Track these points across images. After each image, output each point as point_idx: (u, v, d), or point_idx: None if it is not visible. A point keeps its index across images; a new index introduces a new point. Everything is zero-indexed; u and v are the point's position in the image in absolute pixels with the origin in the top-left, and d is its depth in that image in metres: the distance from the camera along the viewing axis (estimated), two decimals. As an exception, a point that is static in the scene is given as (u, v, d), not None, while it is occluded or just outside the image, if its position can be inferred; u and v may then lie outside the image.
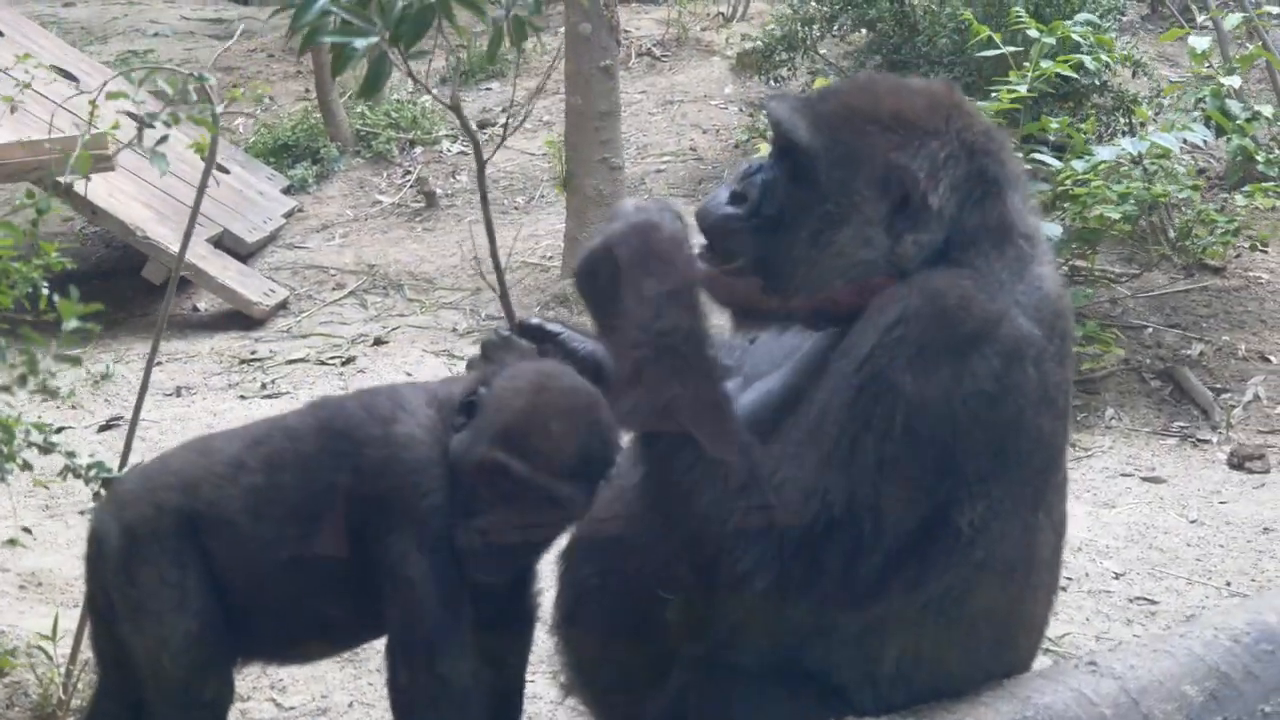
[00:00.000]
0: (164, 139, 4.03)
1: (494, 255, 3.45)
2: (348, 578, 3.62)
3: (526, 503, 3.49)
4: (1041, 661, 4.02)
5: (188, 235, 4.43)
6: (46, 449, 3.90)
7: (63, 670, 4.58)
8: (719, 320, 3.91)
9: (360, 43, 2.89)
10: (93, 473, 3.96)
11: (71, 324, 3.36)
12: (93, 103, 4.23)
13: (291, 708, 4.80)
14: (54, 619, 4.78)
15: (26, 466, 3.95)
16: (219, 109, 4.05)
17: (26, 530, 4.69)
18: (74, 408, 7.90)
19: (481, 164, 3.43)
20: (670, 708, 3.60)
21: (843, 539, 3.31)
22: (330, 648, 4.02)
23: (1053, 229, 7.88)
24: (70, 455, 3.96)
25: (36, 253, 3.84)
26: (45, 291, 3.99)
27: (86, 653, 4.22)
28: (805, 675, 3.54)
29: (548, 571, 3.87)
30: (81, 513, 4.13)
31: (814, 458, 3.32)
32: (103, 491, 3.98)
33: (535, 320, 3.79)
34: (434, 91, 2.86)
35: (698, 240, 3.51)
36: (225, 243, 10.47)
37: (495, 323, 9.58)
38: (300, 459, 3.66)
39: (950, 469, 3.36)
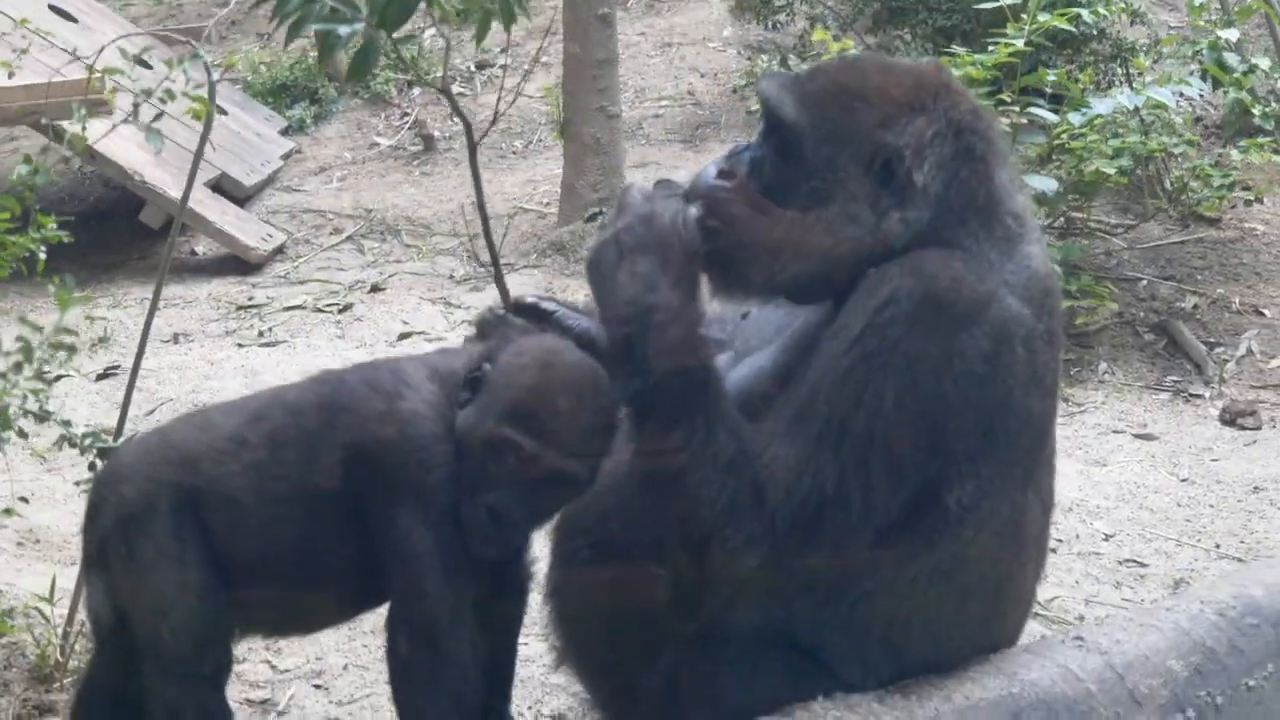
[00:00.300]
0: (159, 116, 4.02)
1: (488, 237, 3.47)
2: (349, 552, 3.65)
3: (533, 478, 3.52)
4: (1030, 627, 4.05)
5: (184, 198, 4.42)
6: (42, 417, 3.91)
7: (60, 632, 4.60)
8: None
9: (345, 30, 2.89)
10: (88, 442, 3.97)
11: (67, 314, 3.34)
12: (90, 67, 4.18)
13: (286, 670, 4.83)
14: (51, 581, 4.80)
15: (22, 434, 3.96)
16: (216, 77, 4.02)
17: (24, 500, 4.70)
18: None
19: (473, 147, 3.42)
20: (660, 681, 3.63)
21: (833, 516, 3.35)
22: (330, 619, 4.05)
23: (1048, 183, 7.89)
24: (66, 424, 3.97)
25: (34, 223, 3.83)
26: (43, 257, 4.00)
27: (83, 614, 4.23)
28: (795, 649, 3.57)
29: (540, 541, 3.89)
30: (78, 484, 4.12)
31: (805, 436, 3.34)
32: (99, 462, 4.00)
33: (531, 299, 3.81)
34: (426, 78, 2.85)
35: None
36: (223, 186, 10.47)
37: (491, 269, 9.60)
38: (303, 435, 3.67)
39: (940, 448, 3.40)
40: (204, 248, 10.12)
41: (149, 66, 4.09)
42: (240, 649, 4.77)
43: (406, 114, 12.23)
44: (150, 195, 9.71)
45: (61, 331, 3.43)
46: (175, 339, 8.55)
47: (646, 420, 3.41)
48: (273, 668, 4.84)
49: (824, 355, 3.38)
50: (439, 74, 12.61)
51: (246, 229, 10.02)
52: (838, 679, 3.57)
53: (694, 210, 3.46)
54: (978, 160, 3.54)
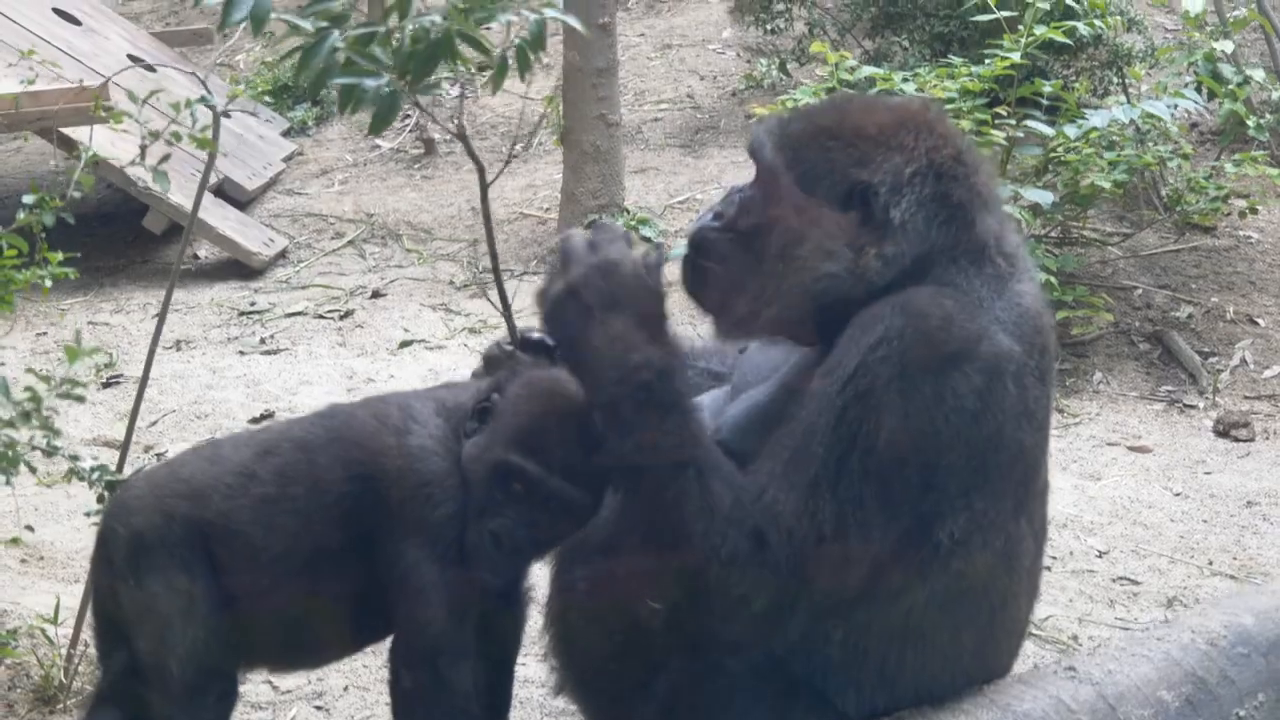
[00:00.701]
0: (166, 158, 4.06)
1: (496, 274, 3.49)
2: (356, 586, 3.69)
3: (539, 505, 3.56)
4: (1024, 647, 4.09)
5: (190, 224, 4.46)
6: (50, 452, 3.94)
7: (64, 654, 4.63)
8: (700, 331, 4.00)
9: (370, 83, 2.93)
10: (95, 475, 4.01)
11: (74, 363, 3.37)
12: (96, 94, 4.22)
13: (288, 691, 4.87)
14: (56, 602, 4.83)
15: (31, 469, 4.00)
16: (220, 98, 4.06)
17: (29, 529, 4.73)
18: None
19: (485, 189, 3.45)
20: (658, 709, 3.66)
21: (829, 554, 3.39)
22: (336, 653, 4.08)
23: (1044, 195, 7.93)
24: (74, 459, 4.01)
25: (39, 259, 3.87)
26: (48, 285, 4.04)
27: (88, 636, 4.27)
28: (791, 679, 3.61)
29: (541, 568, 3.93)
30: (88, 514, 4.15)
31: (803, 478, 3.39)
32: (107, 494, 4.03)
33: (536, 335, 3.85)
34: (442, 123, 2.89)
35: (659, 264, 3.55)
36: (225, 190, 10.49)
37: (492, 276, 9.62)
38: (312, 470, 3.70)
39: (934, 483, 3.44)
40: (206, 252, 10.14)
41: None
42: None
43: (408, 116, 12.23)
44: (153, 201, 9.73)
45: (68, 384, 3.45)
46: (178, 346, 8.58)
47: (640, 477, 3.45)
48: (274, 688, 4.87)
49: (819, 395, 3.42)
50: (440, 74, 12.67)
51: (249, 234, 10.04)
52: (833, 709, 3.62)
53: (653, 255, 3.50)
54: (956, 207, 3.59)
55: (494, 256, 3.59)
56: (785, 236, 3.59)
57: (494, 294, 3.64)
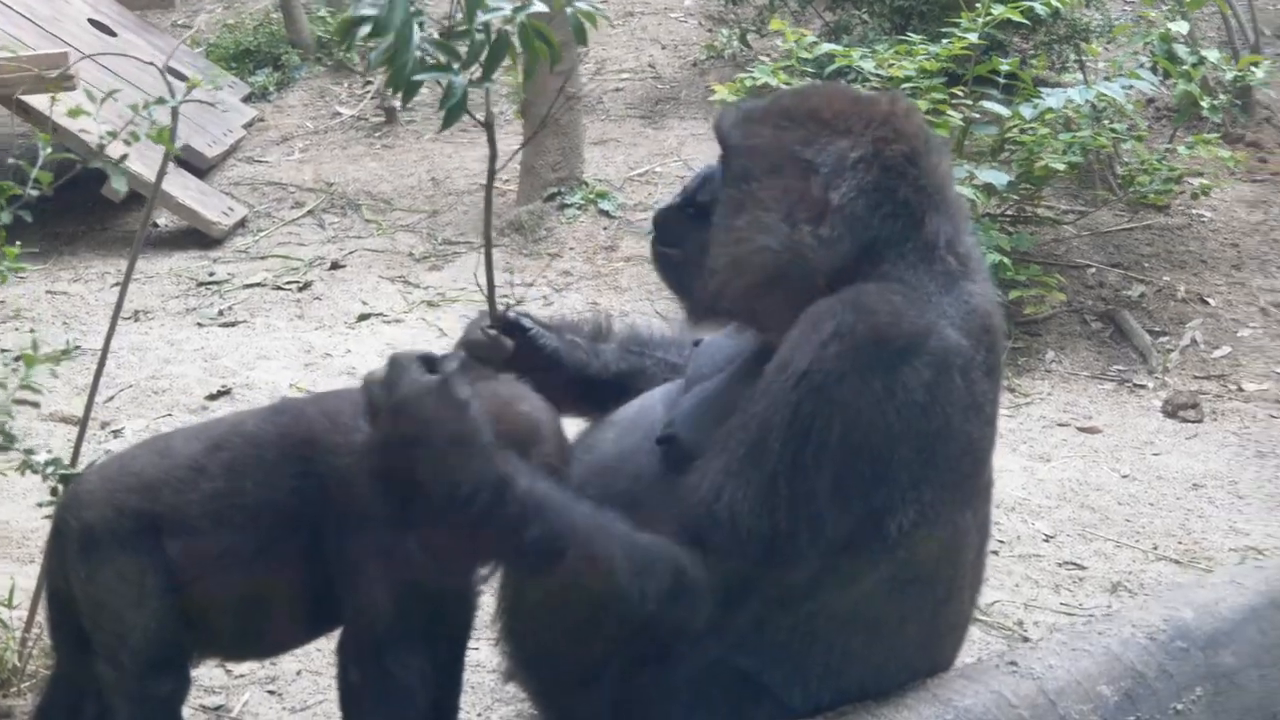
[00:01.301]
0: (124, 157, 4.07)
1: (489, 258, 3.50)
2: (306, 579, 3.72)
3: None
4: (970, 633, 4.12)
5: (148, 210, 4.46)
6: (4, 446, 3.95)
7: (19, 637, 4.64)
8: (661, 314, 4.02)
9: (458, 81, 2.97)
10: (50, 469, 4.02)
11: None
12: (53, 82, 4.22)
13: (241, 675, 4.89)
14: (10, 585, 4.85)
15: (-15, 460, 4.01)
16: (178, 95, 4.07)
17: (-14, 524, 4.74)
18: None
19: (490, 181, 3.48)
20: (608, 702, 3.70)
21: (781, 549, 3.43)
22: (287, 644, 4.11)
23: (999, 176, 7.96)
24: (29, 453, 4.02)
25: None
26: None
27: (43, 620, 4.28)
28: (738, 674, 3.63)
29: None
30: (40, 505, 4.17)
31: (759, 474, 3.42)
32: (61, 488, 4.05)
33: (512, 314, 3.88)
34: (472, 112, 2.91)
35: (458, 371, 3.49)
36: (186, 158, 10.47)
37: (451, 248, 9.63)
38: (262, 465, 3.72)
39: (885, 476, 3.47)
40: (165, 220, 10.12)
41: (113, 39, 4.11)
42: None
43: (369, 82, 12.22)
44: (114, 173, 9.67)
45: (25, 389, 3.47)
46: (136, 317, 8.57)
47: (531, 574, 3.51)
48: (228, 673, 4.90)
49: (772, 391, 3.44)
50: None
51: (208, 203, 10.03)
52: (781, 704, 3.64)
53: (450, 364, 3.44)
54: (902, 204, 3.61)
55: (488, 241, 3.60)
56: (726, 208, 3.64)
57: (481, 275, 3.64)
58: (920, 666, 3.79)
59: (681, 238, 3.75)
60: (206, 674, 4.82)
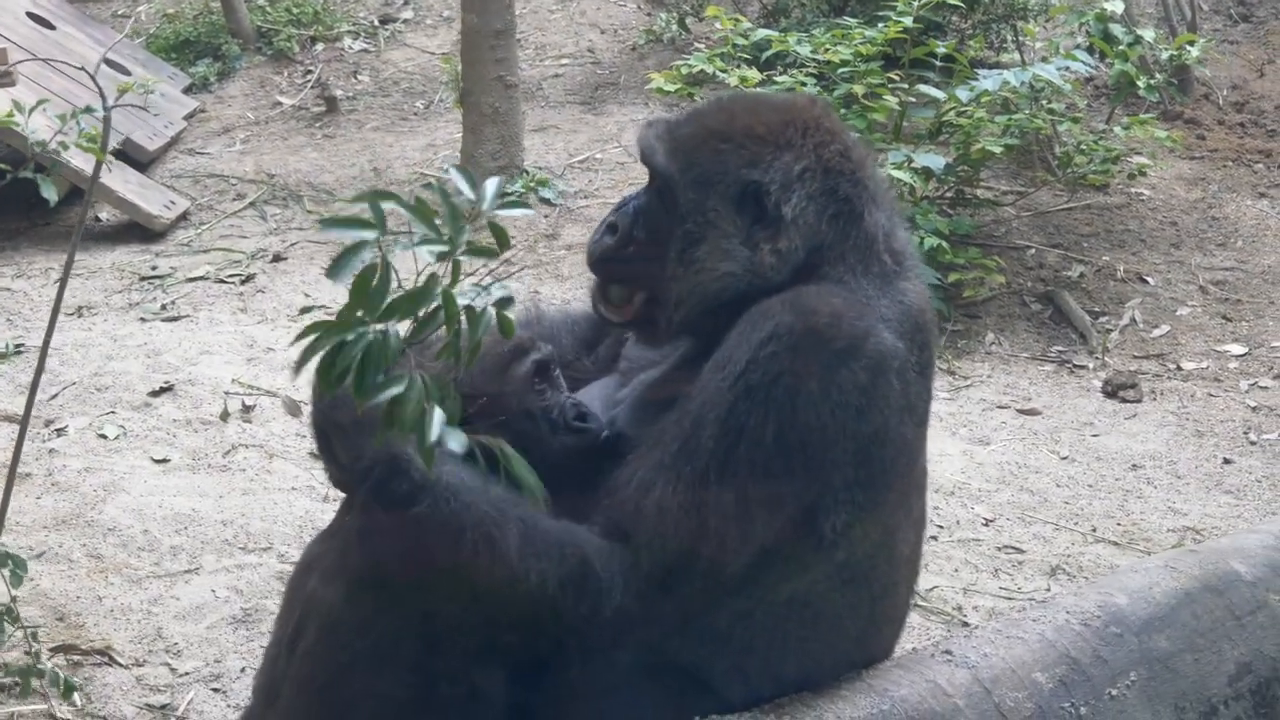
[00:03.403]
0: (54, 166, 4.08)
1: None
2: None
3: None
4: (910, 618, 4.16)
5: (83, 216, 4.46)
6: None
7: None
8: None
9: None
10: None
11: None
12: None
13: (186, 673, 4.90)
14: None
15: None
16: (110, 102, 4.07)
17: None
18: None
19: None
20: (544, 702, 3.71)
21: (712, 547, 3.44)
22: None
23: (935, 160, 8.01)
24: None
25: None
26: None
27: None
28: (676, 670, 3.65)
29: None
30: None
31: (691, 472, 3.44)
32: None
33: None
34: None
35: None
36: (127, 151, 10.43)
37: (393, 239, 9.60)
38: None
39: (820, 476, 3.50)
40: (107, 214, 10.08)
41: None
42: (139, 650, 4.88)
43: (310, 71, 12.20)
44: (43, 180, 9.63)
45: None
46: (79, 312, 8.53)
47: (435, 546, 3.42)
48: (172, 670, 4.91)
49: (709, 389, 3.47)
50: (342, 29, 12.63)
51: (150, 196, 10.00)
52: (720, 699, 3.66)
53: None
54: (843, 200, 3.66)
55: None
56: (682, 241, 3.65)
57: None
58: (859, 659, 3.83)
59: (626, 273, 3.77)
60: (151, 671, 4.84)
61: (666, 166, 3.69)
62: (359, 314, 2.52)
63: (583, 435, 3.66)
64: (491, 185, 2.66)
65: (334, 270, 2.51)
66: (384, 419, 2.55)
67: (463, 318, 2.55)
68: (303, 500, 6.09)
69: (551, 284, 8.84)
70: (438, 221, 2.58)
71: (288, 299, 8.73)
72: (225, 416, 6.73)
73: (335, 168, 10.62)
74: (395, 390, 2.52)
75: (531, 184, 9.83)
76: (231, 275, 9.13)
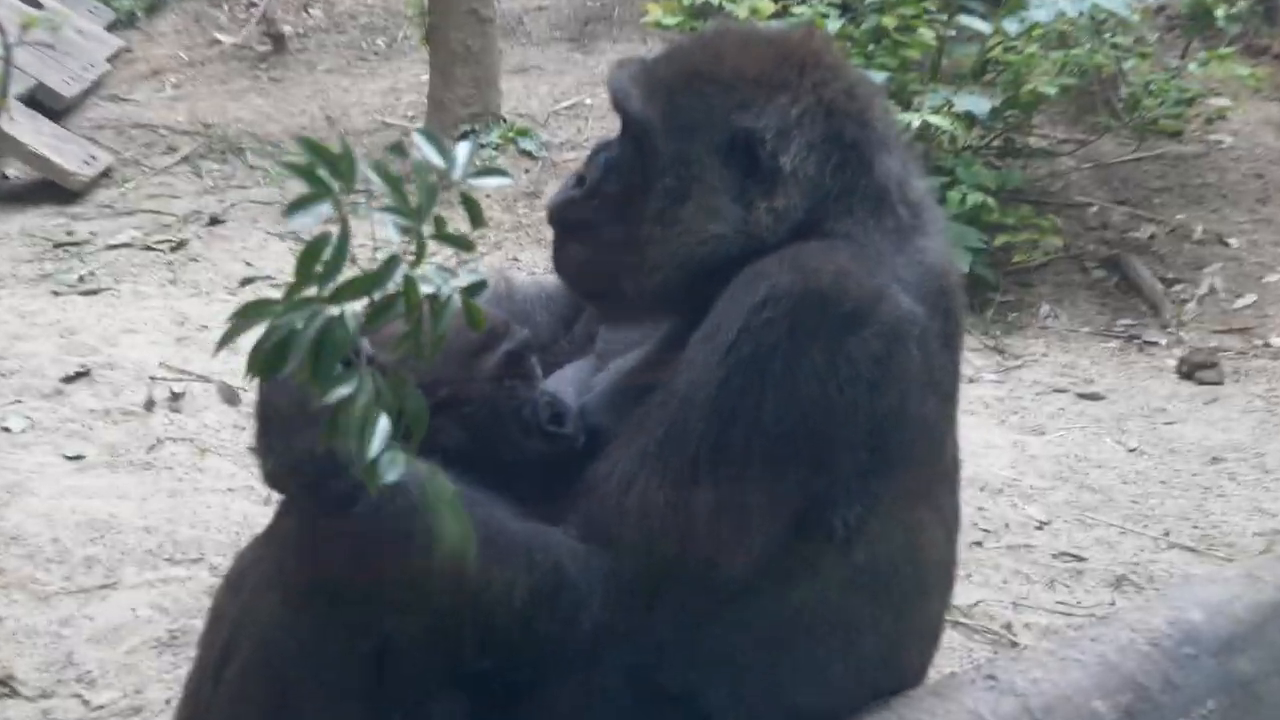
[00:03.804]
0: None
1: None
2: None
3: None
4: (949, 637, 4.11)
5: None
6: None
7: None
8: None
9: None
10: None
11: None
12: None
13: (101, 706, 4.85)
14: None
15: None
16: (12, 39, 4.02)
17: None
18: None
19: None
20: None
21: (701, 549, 3.39)
22: None
23: (980, 103, 7.95)
24: None
25: None
26: None
27: None
28: (666, 698, 3.59)
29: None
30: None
31: (676, 462, 3.37)
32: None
33: None
34: None
35: None
36: (39, 98, 10.39)
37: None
38: None
39: (826, 464, 3.43)
40: (16, 170, 10.05)
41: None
42: (47, 680, 4.86)
43: (253, 4, 12.17)
44: (-48, 118, 9.63)
45: None
46: (-17, 286, 8.53)
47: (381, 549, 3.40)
48: (84, 703, 4.86)
49: (696, 363, 3.40)
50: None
51: (66, 150, 9.96)
52: (712, 727, 3.63)
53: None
54: (850, 146, 3.59)
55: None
56: (663, 199, 3.59)
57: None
58: (884, 684, 3.78)
59: (592, 232, 3.70)
60: (60, 705, 4.79)
61: (642, 112, 3.62)
62: (310, 293, 2.46)
63: (555, 442, 3.62)
64: (463, 150, 2.59)
65: (293, 210, 2.45)
66: (329, 421, 2.51)
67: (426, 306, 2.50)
68: (240, 503, 6.05)
69: (532, 250, 8.82)
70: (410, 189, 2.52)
71: (226, 269, 8.70)
72: (150, 406, 6.70)
73: (282, 116, 10.59)
74: (344, 390, 2.48)
75: (510, 134, 9.80)
76: (160, 241, 9.10)
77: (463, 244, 2.49)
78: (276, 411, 3.34)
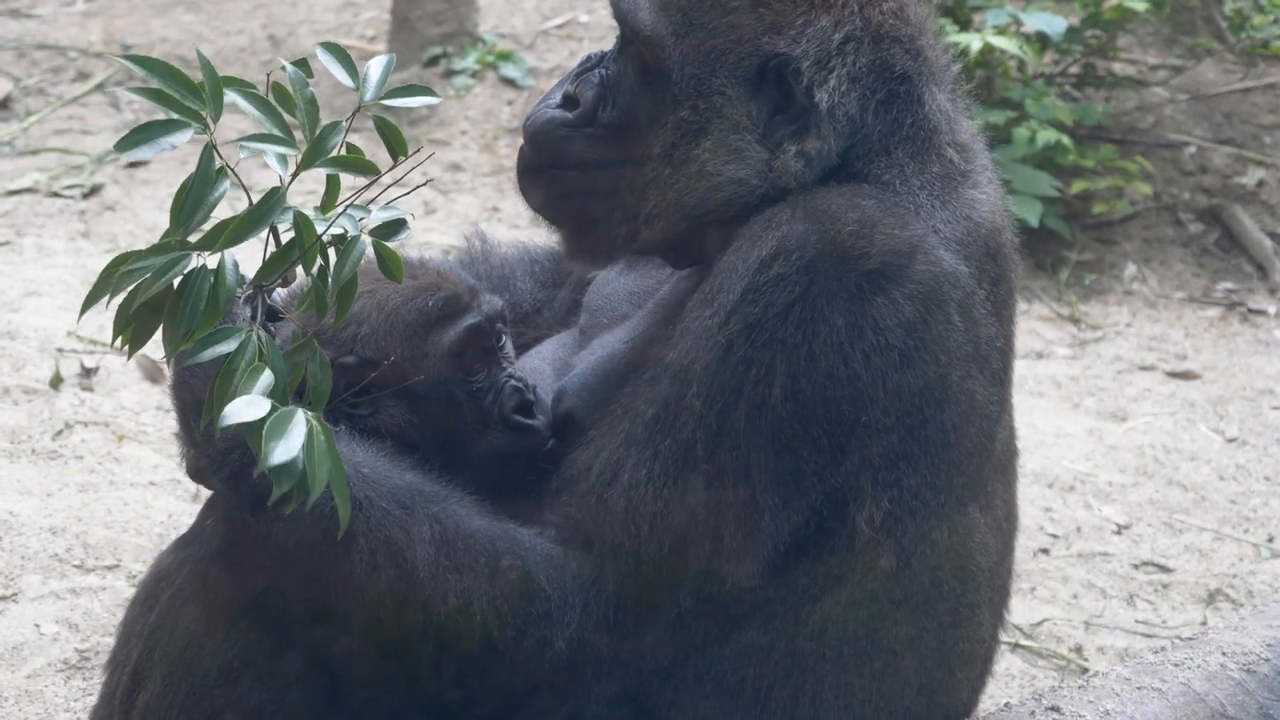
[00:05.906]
0: None
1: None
2: None
3: None
4: (1010, 663, 4.14)
5: None
6: None
7: None
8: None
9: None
10: None
11: None
12: None
13: (27, 731, 4.93)
14: None
15: None
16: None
17: None
18: None
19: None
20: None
21: (700, 551, 3.42)
22: None
23: (1055, 22, 7.97)
24: None
25: None
26: None
27: None
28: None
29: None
30: None
31: (670, 448, 3.40)
32: None
33: None
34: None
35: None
36: (-79, 14, 10.48)
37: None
38: None
39: (848, 449, 3.44)
40: (-104, 102, 10.14)
41: None
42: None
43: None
44: None
45: None
46: None
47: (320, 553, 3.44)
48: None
49: (692, 332, 3.41)
50: None
51: (-48, 76, 10.05)
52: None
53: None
54: (899, 79, 3.59)
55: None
56: (674, 132, 3.58)
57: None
58: (925, 714, 3.80)
59: (580, 163, 3.69)
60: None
61: (653, 28, 3.60)
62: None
63: (520, 436, 3.65)
64: (377, 66, 2.64)
65: (125, 143, 2.51)
66: (212, 390, 2.54)
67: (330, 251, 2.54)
68: (164, 499, 6.07)
69: (515, 199, 8.82)
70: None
71: (148, 219, 8.73)
72: (57, 383, 6.72)
73: (217, 35, 10.63)
74: (221, 348, 2.51)
75: (488, 58, 9.82)
76: (70, 186, 9.13)
77: (365, 167, 2.52)
78: (192, 393, 3.36)
